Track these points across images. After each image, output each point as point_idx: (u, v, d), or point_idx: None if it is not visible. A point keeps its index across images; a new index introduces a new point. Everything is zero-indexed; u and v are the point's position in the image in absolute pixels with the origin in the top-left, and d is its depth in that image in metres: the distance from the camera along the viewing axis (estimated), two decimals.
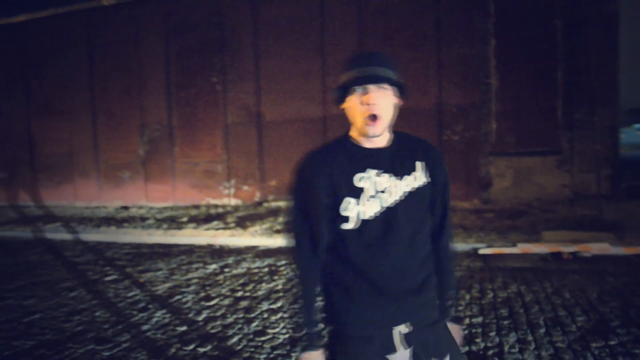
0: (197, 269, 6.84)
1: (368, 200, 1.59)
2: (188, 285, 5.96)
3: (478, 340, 3.91)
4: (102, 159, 15.53)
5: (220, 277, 6.34)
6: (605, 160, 10.37)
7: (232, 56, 13.76)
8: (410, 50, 11.79)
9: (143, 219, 11.85)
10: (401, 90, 1.65)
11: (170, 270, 6.78)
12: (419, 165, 1.67)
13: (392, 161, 1.64)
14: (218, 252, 7.96)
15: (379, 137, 1.63)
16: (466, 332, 4.08)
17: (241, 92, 13.69)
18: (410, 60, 11.73)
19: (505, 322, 4.26)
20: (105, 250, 8.51)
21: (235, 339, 4.17)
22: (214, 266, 6.95)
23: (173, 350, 3.98)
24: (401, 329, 1.61)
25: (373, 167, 1.61)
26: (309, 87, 12.88)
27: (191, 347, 4.04)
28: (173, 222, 11.07)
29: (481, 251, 7.02)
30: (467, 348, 3.75)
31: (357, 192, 1.59)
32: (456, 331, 1.78)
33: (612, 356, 3.51)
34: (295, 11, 13.01)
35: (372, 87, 1.56)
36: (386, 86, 1.58)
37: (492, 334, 4.02)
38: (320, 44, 12.76)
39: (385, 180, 1.60)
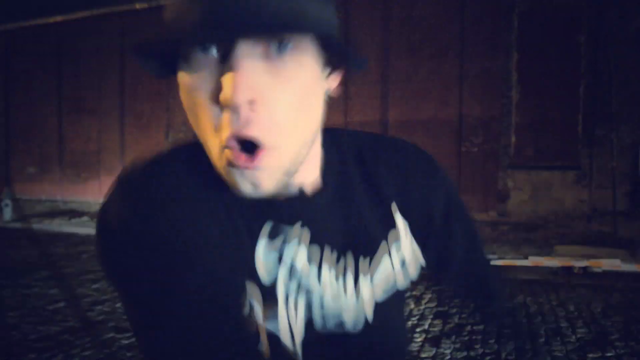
0: None
1: (289, 297, 0.62)
2: None
3: (477, 346, 4.05)
4: (127, 157, 15.99)
5: None
6: (623, 177, 10.32)
7: None
8: (432, 62, 11.93)
9: None
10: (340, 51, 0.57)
11: None
12: (400, 221, 0.70)
13: (332, 215, 0.66)
14: None
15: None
16: (467, 338, 4.22)
17: None
18: (433, 71, 11.87)
19: (506, 331, 4.38)
20: None
21: None
22: None
23: None
24: None
25: (284, 230, 0.62)
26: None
27: None
28: None
29: (492, 263, 7.10)
30: (465, 353, 3.89)
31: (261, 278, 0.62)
32: None
33: None
34: None
35: (245, 52, 0.51)
36: (298, 43, 0.53)
37: (492, 341, 4.15)
38: None
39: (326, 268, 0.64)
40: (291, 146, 0.56)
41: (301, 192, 0.63)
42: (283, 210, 0.62)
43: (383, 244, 0.67)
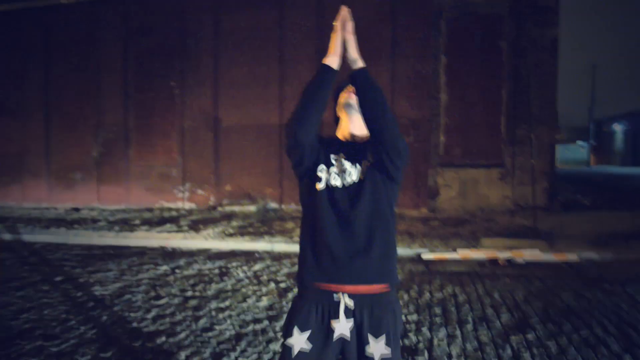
0: (147, 269, 6.92)
1: (335, 173, 1.97)
2: (138, 285, 6.06)
3: (411, 334, 4.23)
4: (54, 159, 15.23)
5: (171, 277, 6.46)
6: (542, 174, 11.04)
7: (191, 61, 13.84)
8: (366, 64, 12.20)
9: (95, 220, 11.74)
10: None
11: (121, 271, 6.84)
12: (369, 155, 2.00)
13: (355, 152, 2.01)
14: (170, 254, 8.05)
15: (353, 134, 2.10)
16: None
17: (199, 97, 13.78)
18: None
19: (438, 319, 4.61)
20: (55, 251, 8.44)
21: (183, 335, 4.34)
22: (164, 267, 7.05)
23: (122, 345, 4.11)
24: (347, 301, 1.85)
25: (343, 153, 2.01)
26: (266, 95, 13.11)
27: (139, 342, 4.18)
28: (126, 224, 11.02)
29: (424, 256, 7.41)
30: (399, 343, 4.04)
31: (329, 163, 1.99)
32: None
33: (527, 348, 3.90)
34: (256, 20, 13.24)
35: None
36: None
37: (424, 329, 4.35)
38: (279, 53, 13.03)
39: (349, 164, 1.97)
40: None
41: (349, 142, 2.09)
42: (343, 145, 2.07)
43: (362, 162, 1.99)
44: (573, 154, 57.44)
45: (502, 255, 7.12)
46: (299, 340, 1.87)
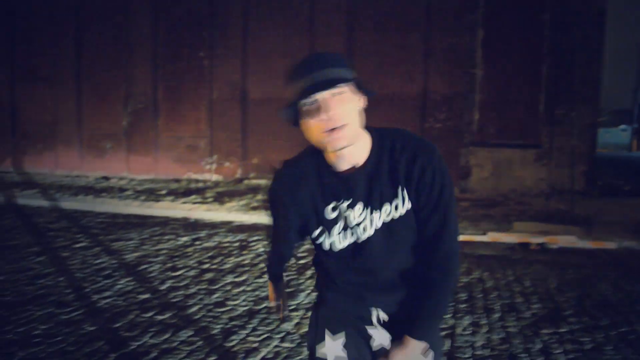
0: (168, 240, 6.84)
1: (340, 233, 1.47)
2: (157, 256, 5.97)
3: None
4: (85, 128, 15.35)
5: (190, 249, 6.35)
6: (581, 157, 10.48)
7: (221, 32, 13.60)
8: (398, 37, 11.75)
9: (122, 189, 11.79)
10: (359, 86, 1.39)
11: (141, 241, 6.78)
12: (399, 191, 1.42)
13: (369, 188, 1.43)
14: (192, 226, 7.97)
15: (352, 151, 1.41)
16: None
17: (228, 68, 13.57)
18: (398, 46, 11.70)
19: (462, 306, 4.34)
20: (80, 219, 8.46)
21: (194, 309, 4.20)
22: (185, 238, 6.96)
23: (131, 316, 4.00)
24: (380, 314, 1.55)
25: (346, 198, 1.45)
26: None
27: (150, 314, 4.06)
28: (151, 194, 11.02)
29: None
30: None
31: (328, 224, 1.49)
32: (410, 348, 1.43)
33: (559, 342, 3.60)
34: None
35: (325, 95, 1.31)
36: (343, 88, 1.33)
37: (448, 316, 4.09)
38: (309, 25, 12.66)
39: (359, 212, 1.44)
40: (350, 128, 1.34)
41: (353, 168, 1.43)
42: (346, 181, 1.44)
43: (386, 204, 1.43)
44: (614, 137, 55.29)
45: (535, 240, 6.76)
46: (333, 348, 1.51)
